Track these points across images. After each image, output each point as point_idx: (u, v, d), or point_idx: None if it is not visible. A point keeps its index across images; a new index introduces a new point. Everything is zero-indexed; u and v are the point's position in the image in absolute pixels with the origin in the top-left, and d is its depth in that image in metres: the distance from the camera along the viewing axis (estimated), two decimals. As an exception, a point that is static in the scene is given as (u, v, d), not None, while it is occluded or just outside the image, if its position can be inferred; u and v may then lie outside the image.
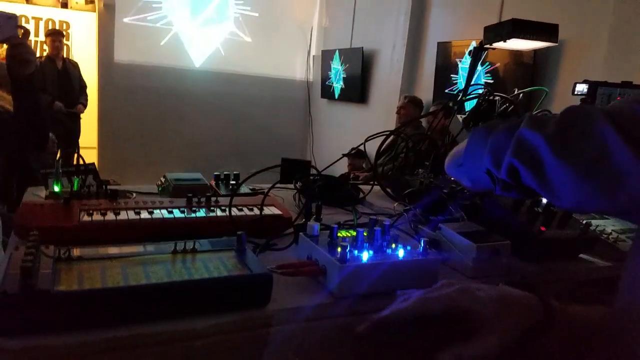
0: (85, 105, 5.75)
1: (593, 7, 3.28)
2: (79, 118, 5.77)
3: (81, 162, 1.37)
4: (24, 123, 1.89)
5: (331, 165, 1.68)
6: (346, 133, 6.06)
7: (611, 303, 0.74)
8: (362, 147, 1.56)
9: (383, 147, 1.58)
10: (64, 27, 6.83)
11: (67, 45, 6.90)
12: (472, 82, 1.66)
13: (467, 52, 4.22)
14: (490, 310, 0.68)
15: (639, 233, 0.72)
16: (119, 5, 5.82)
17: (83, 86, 5.78)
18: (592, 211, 1.16)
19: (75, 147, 5.83)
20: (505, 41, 1.50)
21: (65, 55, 5.93)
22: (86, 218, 0.97)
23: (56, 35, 5.51)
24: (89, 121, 6.58)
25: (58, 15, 6.80)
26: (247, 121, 6.69)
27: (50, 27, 6.67)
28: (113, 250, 0.79)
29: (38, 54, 6.34)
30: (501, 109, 1.48)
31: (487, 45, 1.56)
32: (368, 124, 5.62)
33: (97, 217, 0.98)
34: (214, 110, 6.52)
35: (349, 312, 0.81)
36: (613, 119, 0.59)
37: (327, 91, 6.47)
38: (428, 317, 0.71)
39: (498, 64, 3.99)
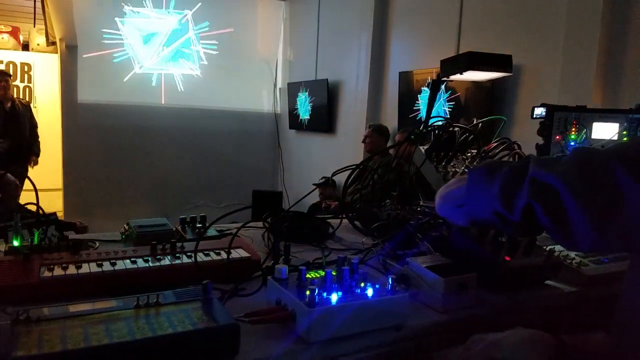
0: (37, 154, 5.59)
1: (546, 34, 3.42)
2: (29, 157, 5.56)
3: (41, 212, 1.33)
4: None
5: (302, 199, 1.68)
6: (316, 162, 6.09)
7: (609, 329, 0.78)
8: (321, 180, 1.58)
9: (351, 178, 1.60)
10: (26, 69, 6.74)
11: (30, 87, 6.80)
12: (433, 112, 1.70)
13: (426, 84, 4.33)
14: (520, 356, 0.76)
15: (632, 263, 0.74)
16: (81, 46, 5.77)
17: (34, 125, 5.58)
18: (607, 252, 1.20)
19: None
20: (461, 73, 1.55)
21: (19, 96, 5.69)
22: (47, 274, 0.94)
23: (1, 76, 5.29)
24: (53, 162, 6.44)
25: (19, 57, 6.71)
26: (217, 155, 6.66)
27: (11, 70, 6.57)
28: (74, 308, 0.77)
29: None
30: (461, 139, 1.52)
31: (445, 78, 1.61)
32: (336, 153, 5.67)
33: (58, 271, 0.95)
34: (182, 146, 6.47)
35: (321, 356, 0.80)
36: (626, 162, 0.61)
37: (295, 122, 6.52)
38: None
39: (459, 93, 4.10)
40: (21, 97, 6.54)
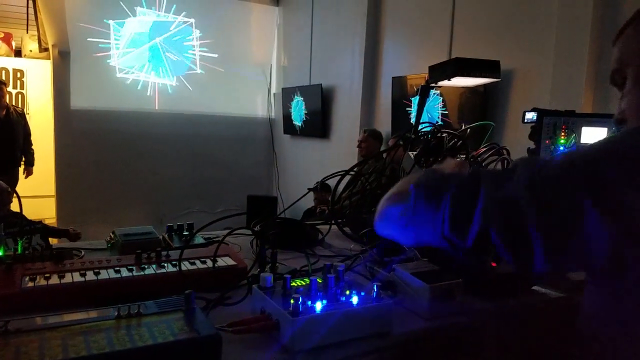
0: (32, 164, 5.59)
1: (537, 40, 3.44)
2: (20, 164, 5.55)
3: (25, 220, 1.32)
4: None
5: (294, 203, 1.69)
6: (310, 167, 6.09)
7: None
8: (320, 184, 1.58)
9: (341, 183, 1.59)
10: (18, 76, 6.71)
11: (22, 94, 6.77)
12: (424, 117, 1.70)
13: (415, 90, 4.34)
14: None
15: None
16: (73, 52, 5.75)
17: (28, 133, 5.56)
18: (562, 272, 1.17)
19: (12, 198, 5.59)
20: (449, 79, 1.55)
21: (14, 104, 5.66)
22: (29, 284, 0.93)
23: None
24: (46, 169, 6.40)
25: (12, 63, 6.69)
26: (211, 161, 6.64)
27: (4, 76, 6.55)
28: (54, 319, 0.76)
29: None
30: (449, 144, 1.52)
31: (433, 84, 1.61)
32: (331, 158, 5.67)
33: (40, 281, 0.94)
34: (176, 152, 6.45)
35: (304, 366, 0.79)
36: (585, 183, 0.59)
37: (289, 127, 6.52)
38: None
39: (453, 99, 4.11)
40: (14, 103, 6.52)
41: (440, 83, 1.62)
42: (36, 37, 6.31)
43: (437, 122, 4.08)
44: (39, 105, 6.78)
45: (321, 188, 4.72)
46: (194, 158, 6.54)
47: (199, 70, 6.53)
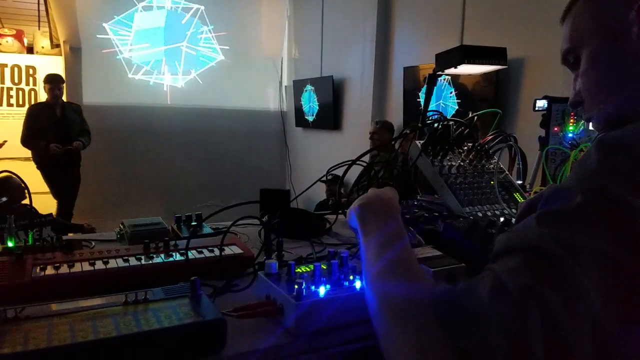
0: (84, 143, 5.39)
1: (550, 26, 3.39)
2: (79, 164, 5.50)
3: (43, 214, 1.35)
4: None
5: (300, 195, 1.69)
6: (323, 160, 6.08)
7: None
8: (328, 177, 1.60)
9: (346, 174, 1.60)
10: (31, 72, 6.80)
11: (35, 90, 6.85)
12: (434, 106, 1.70)
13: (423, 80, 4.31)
14: None
15: None
16: (84, 48, 5.81)
17: (85, 130, 5.46)
18: None
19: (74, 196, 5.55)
20: (455, 67, 1.55)
21: (65, 100, 5.60)
22: (40, 273, 0.95)
23: (55, 83, 5.20)
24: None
25: (24, 60, 6.78)
26: (224, 155, 6.67)
27: (16, 73, 6.64)
28: (63, 306, 0.78)
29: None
30: (456, 133, 1.51)
31: (439, 72, 1.60)
32: (343, 150, 5.66)
33: (50, 271, 0.96)
34: (189, 146, 6.49)
35: (308, 349, 0.81)
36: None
37: (301, 120, 6.52)
38: None
39: (466, 88, 4.08)
40: (27, 100, 6.61)
41: (447, 71, 1.62)
42: (47, 34, 6.38)
43: (451, 115, 4.05)
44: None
45: (332, 180, 4.73)
46: (206, 152, 6.58)
47: (210, 64, 6.55)
